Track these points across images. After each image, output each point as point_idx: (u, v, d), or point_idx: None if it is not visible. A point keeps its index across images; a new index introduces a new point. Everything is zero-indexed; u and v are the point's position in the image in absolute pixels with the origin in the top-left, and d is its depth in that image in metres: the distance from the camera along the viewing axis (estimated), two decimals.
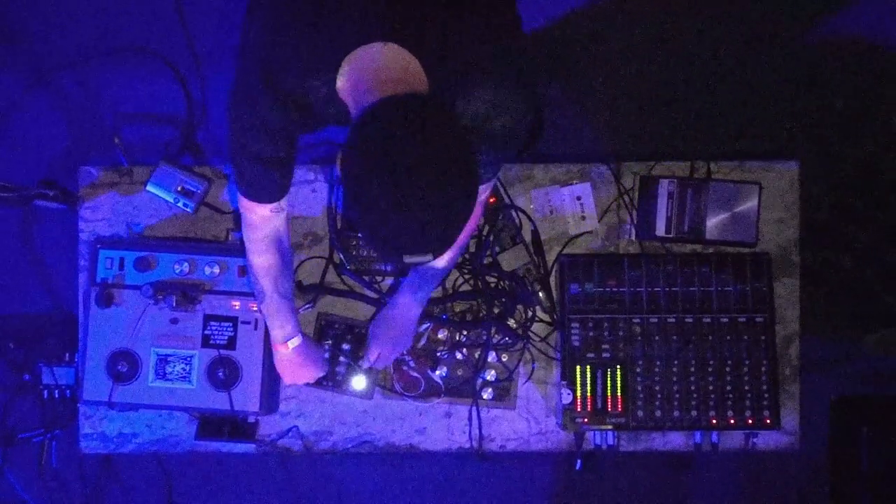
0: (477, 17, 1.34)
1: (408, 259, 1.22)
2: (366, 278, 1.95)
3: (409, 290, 1.83)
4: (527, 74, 1.41)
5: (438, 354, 1.95)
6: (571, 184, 2.01)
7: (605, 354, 1.92)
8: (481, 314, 1.96)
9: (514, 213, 1.96)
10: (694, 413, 1.90)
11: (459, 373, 1.96)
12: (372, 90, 1.23)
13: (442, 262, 1.73)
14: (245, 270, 1.86)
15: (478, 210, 1.71)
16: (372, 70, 1.26)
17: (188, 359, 1.86)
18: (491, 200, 1.95)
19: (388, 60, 1.26)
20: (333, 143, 2.19)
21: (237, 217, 1.92)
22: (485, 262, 1.96)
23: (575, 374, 1.91)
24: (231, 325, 1.87)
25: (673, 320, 1.92)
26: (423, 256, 1.21)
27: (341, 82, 1.29)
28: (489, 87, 1.34)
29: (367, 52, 1.27)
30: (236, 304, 1.87)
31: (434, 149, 1.15)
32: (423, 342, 1.96)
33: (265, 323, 1.81)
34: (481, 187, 1.52)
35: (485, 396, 1.97)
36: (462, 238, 1.68)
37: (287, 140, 1.42)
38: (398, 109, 1.18)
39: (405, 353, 1.94)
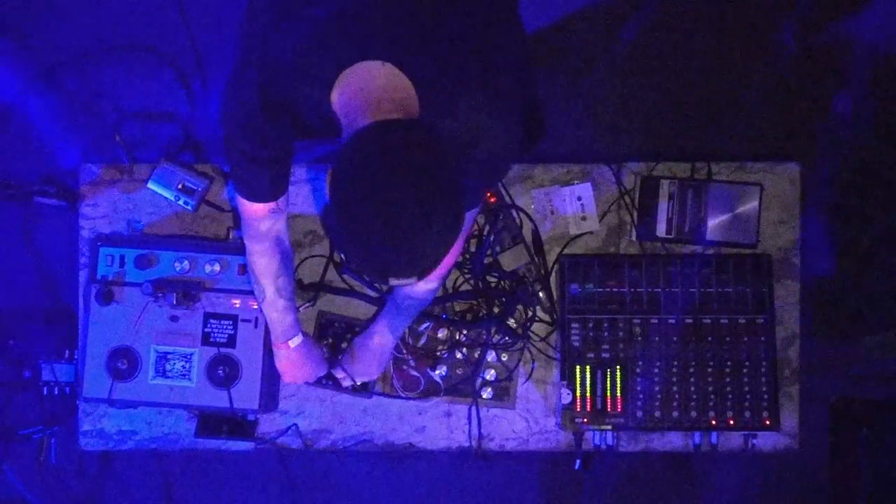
0: (474, 39, 1.34)
1: (393, 281, 1.23)
2: (366, 277, 1.95)
3: (384, 320, 1.85)
4: (521, 96, 1.40)
5: (438, 354, 1.95)
6: (572, 184, 2.01)
7: (604, 354, 1.92)
8: (481, 314, 1.96)
9: (514, 213, 1.96)
10: (693, 414, 1.90)
11: (459, 372, 1.96)
12: (364, 110, 1.23)
13: (422, 292, 1.73)
14: (245, 268, 1.86)
15: (463, 233, 1.70)
16: (366, 89, 1.26)
17: (188, 356, 1.86)
18: (491, 200, 1.95)
19: (384, 81, 1.26)
20: (334, 143, 2.18)
21: (238, 215, 1.92)
22: (485, 261, 1.96)
23: (575, 374, 1.91)
24: (231, 322, 1.87)
25: (673, 321, 1.92)
26: (408, 279, 1.22)
27: (335, 96, 1.29)
28: (477, 114, 1.33)
29: (364, 69, 1.27)
30: (237, 301, 1.87)
31: (421, 177, 1.15)
32: (423, 342, 1.96)
33: (265, 321, 1.81)
34: (466, 214, 1.52)
35: (484, 396, 1.97)
36: (443, 267, 1.68)
37: (278, 143, 1.41)
38: (388, 136, 1.18)
39: (406, 354, 1.94)
